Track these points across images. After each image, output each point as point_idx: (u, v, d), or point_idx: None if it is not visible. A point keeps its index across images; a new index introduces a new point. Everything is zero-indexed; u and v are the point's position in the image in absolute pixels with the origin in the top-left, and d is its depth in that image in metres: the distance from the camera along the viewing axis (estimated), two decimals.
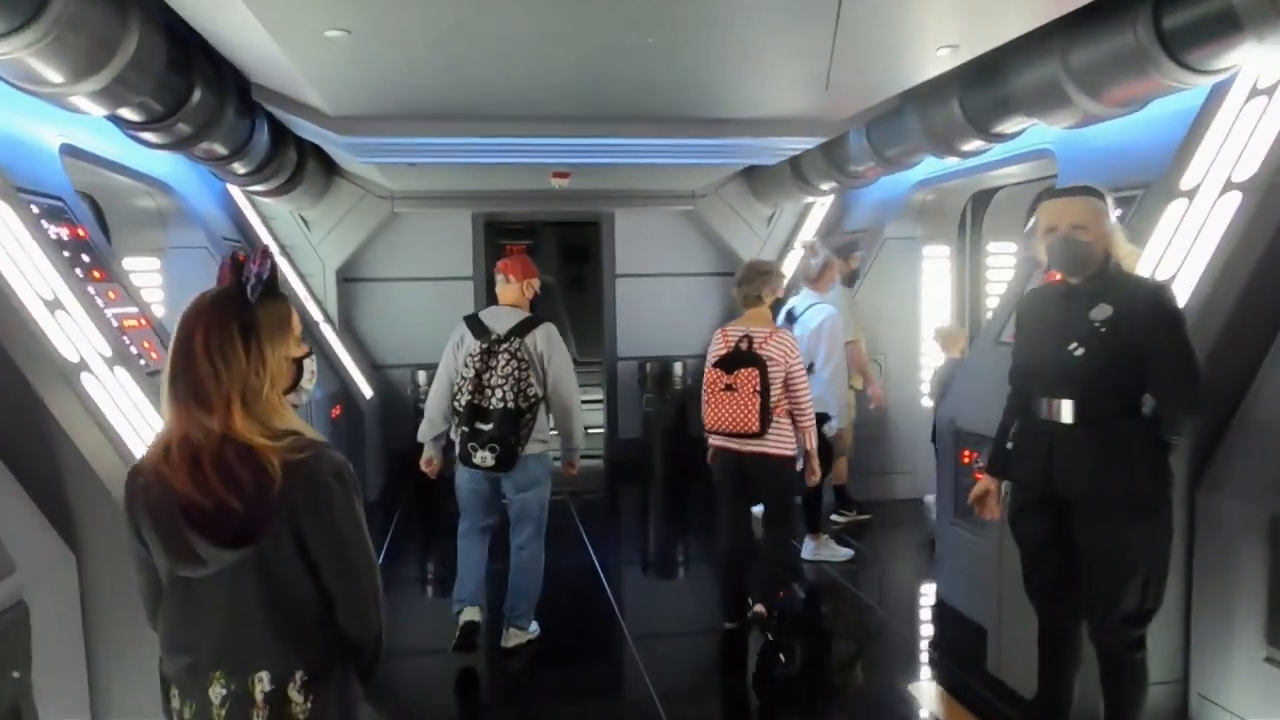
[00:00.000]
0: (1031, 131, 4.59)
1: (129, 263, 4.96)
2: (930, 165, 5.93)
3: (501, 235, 10.34)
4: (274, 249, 6.93)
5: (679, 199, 8.21)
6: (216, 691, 1.49)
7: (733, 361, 3.87)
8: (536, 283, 4.02)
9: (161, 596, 1.55)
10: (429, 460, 3.89)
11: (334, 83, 4.09)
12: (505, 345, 3.70)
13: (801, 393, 3.94)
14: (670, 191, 8.14)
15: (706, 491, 4.68)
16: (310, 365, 1.59)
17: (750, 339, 3.92)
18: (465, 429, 3.68)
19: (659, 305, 8.60)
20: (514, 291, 3.93)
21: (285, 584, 1.48)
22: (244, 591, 1.47)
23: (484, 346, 3.71)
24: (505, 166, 6.17)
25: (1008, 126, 4.43)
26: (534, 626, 4.09)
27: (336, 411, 6.62)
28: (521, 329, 3.78)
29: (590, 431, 8.91)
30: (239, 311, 1.47)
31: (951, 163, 5.59)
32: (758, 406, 3.78)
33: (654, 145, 5.28)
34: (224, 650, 1.49)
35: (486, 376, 3.65)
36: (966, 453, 4.03)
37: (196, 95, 3.86)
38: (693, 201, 8.23)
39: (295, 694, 1.49)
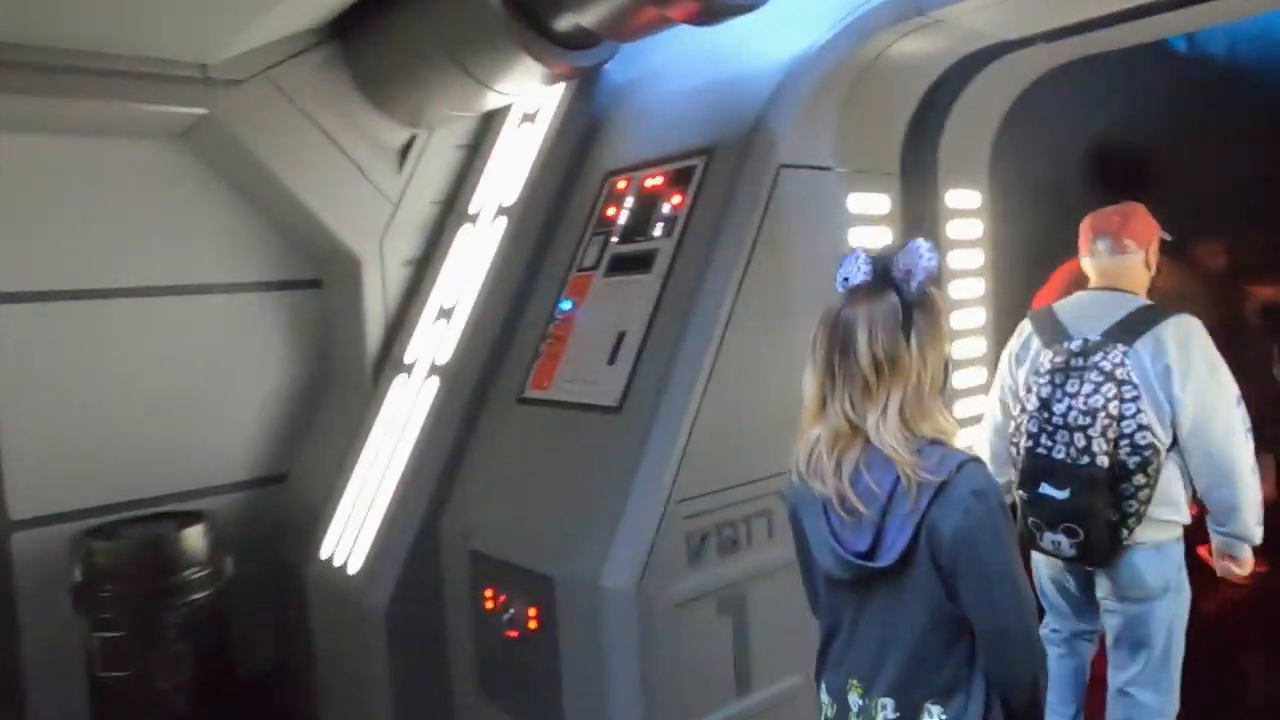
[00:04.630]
0: None
1: None
2: None
3: None
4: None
5: (166, 85, 3.02)
6: (854, 701, 1.47)
7: None
8: (1156, 249, 2.47)
9: (815, 588, 1.57)
10: None
11: None
12: (1097, 357, 2.25)
13: None
14: (139, 60, 2.92)
15: None
16: (951, 367, 1.50)
17: None
18: (1024, 493, 2.38)
19: (129, 369, 3.30)
20: (1125, 267, 2.43)
21: (919, 606, 1.39)
22: (876, 606, 1.42)
23: (1059, 360, 2.32)
24: None
25: None
26: None
27: None
28: (1130, 328, 2.27)
29: None
30: (901, 307, 1.39)
31: None
32: None
33: None
34: (857, 662, 1.46)
35: (1060, 408, 2.28)
36: None
37: None
38: (205, 94, 3.10)
39: None
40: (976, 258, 3.24)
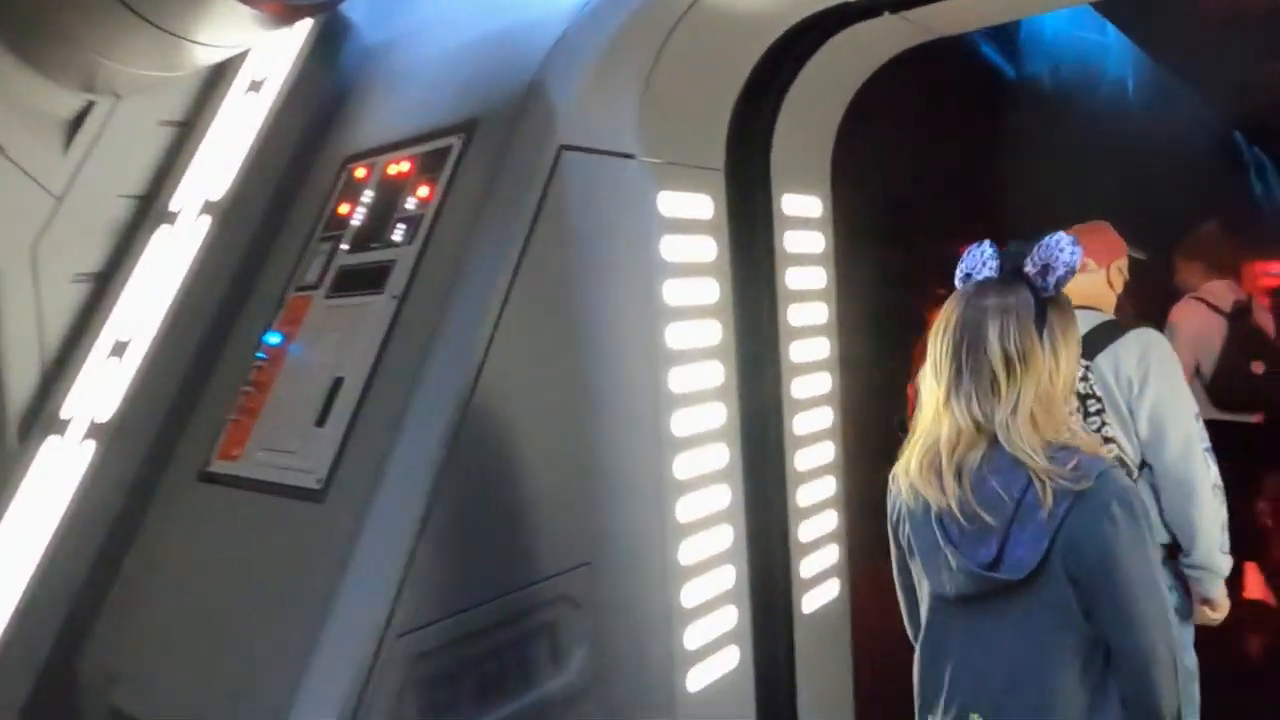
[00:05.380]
0: None
1: None
2: None
3: None
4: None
5: None
6: None
7: None
8: (1125, 265, 2.45)
9: (916, 609, 1.48)
10: None
11: None
12: None
13: None
14: None
15: None
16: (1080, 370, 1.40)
17: None
18: None
19: None
20: (1088, 285, 2.33)
21: (1050, 626, 1.31)
22: (997, 626, 1.33)
23: None
24: None
25: None
26: None
27: None
28: (1092, 343, 2.19)
29: None
30: (1034, 302, 1.35)
31: None
32: None
33: None
34: (979, 686, 1.35)
35: None
36: None
37: None
38: None
39: None
40: (818, 277, 2.66)
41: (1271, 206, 12.36)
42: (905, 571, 1.50)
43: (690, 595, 2.18)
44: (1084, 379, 2.15)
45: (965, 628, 1.38)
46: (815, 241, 2.67)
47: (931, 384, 1.38)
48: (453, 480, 1.67)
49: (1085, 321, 2.22)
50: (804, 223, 2.62)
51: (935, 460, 1.35)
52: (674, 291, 2.18)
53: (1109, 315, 2.38)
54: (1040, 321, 1.34)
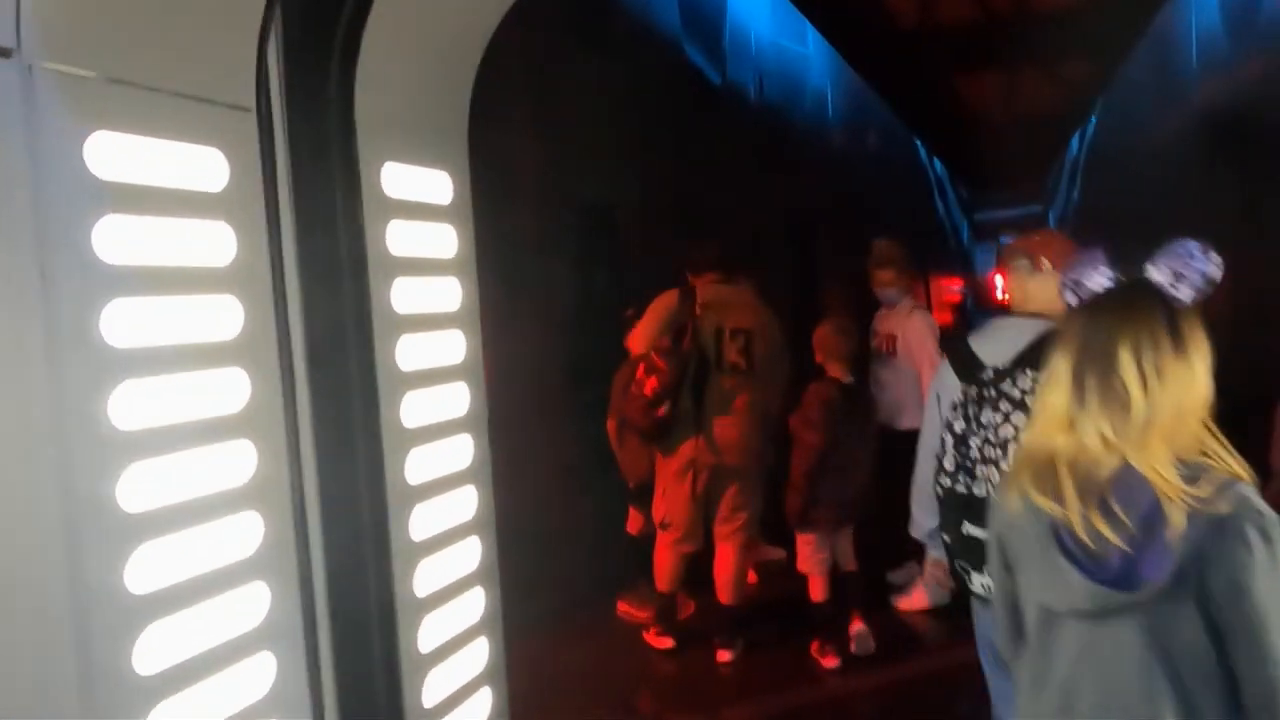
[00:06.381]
0: None
1: None
2: None
3: None
4: None
5: None
6: None
7: None
8: None
9: (1018, 624, 1.44)
10: (935, 563, 2.42)
11: None
12: (1006, 385, 2.18)
13: None
14: None
15: None
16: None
17: None
18: (948, 536, 2.28)
19: None
20: (1038, 287, 2.30)
21: (1176, 653, 1.27)
22: (1122, 647, 1.29)
23: (972, 391, 2.24)
24: None
25: None
26: None
27: None
28: (1040, 352, 2.08)
29: None
30: (1166, 315, 1.30)
31: None
32: None
33: None
34: (1089, 706, 1.32)
35: (975, 441, 2.20)
36: None
37: None
38: None
39: None
40: (449, 294, 1.75)
41: (952, 223, 13.58)
42: (1007, 586, 1.45)
43: None
44: (1030, 391, 2.02)
45: (1076, 644, 1.34)
46: (444, 240, 1.76)
47: (1051, 399, 1.34)
48: None
49: (1032, 330, 2.09)
50: (422, 210, 1.70)
51: (1051, 472, 1.31)
52: (126, 317, 1.16)
53: (1055, 323, 2.16)
54: (1174, 333, 1.29)
